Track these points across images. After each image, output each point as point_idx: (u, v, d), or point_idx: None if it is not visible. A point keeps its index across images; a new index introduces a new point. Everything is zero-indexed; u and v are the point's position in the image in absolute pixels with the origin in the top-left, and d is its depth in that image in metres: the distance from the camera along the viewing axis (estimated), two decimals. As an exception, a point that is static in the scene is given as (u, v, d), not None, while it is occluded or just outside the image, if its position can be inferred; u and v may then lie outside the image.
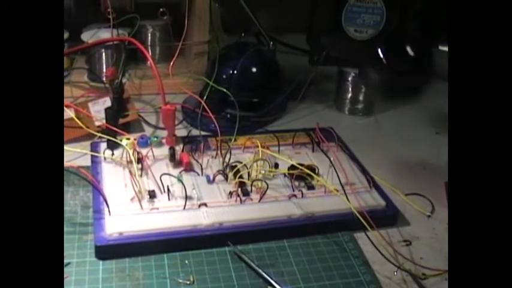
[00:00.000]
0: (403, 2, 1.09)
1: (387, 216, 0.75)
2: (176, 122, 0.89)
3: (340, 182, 0.76)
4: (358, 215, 0.68)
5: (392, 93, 1.12)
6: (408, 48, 1.14)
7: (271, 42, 1.06)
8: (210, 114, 0.87)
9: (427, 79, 1.24)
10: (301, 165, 0.78)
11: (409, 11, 1.14)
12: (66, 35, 1.10)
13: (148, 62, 1.06)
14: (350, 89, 1.07)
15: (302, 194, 0.76)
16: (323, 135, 0.89)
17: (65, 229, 0.70)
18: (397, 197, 0.80)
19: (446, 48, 1.25)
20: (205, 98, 0.93)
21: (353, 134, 0.98)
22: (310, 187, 0.77)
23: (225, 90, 0.93)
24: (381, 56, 1.04)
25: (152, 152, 0.81)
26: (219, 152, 0.83)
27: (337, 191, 0.74)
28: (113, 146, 0.82)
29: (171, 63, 1.00)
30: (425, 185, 0.85)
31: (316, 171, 0.79)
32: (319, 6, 1.06)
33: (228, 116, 0.96)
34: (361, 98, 1.07)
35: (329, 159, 0.81)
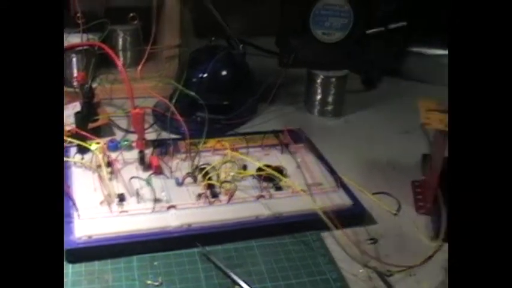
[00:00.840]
0: (371, 5, 1.11)
1: (354, 215, 0.77)
2: (147, 126, 0.90)
3: (306, 182, 0.77)
4: (322, 214, 0.69)
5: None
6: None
7: (241, 45, 1.07)
8: (180, 117, 0.87)
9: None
10: (269, 166, 0.79)
11: (377, 14, 1.16)
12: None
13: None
14: (319, 91, 1.08)
15: (270, 194, 0.77)
16: (292, 137, 0.90)
17: (35, 233, 0.70)
18: (364, 197, 0.81)
19: (419, 50, 1.28)
20: (174, 101, 0.93)
21: (323, 135, 1.00)
22: (278, 188, 0.78)
23: (193, 94, 0.94)
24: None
25: (122, 155, 0.82)
26: (188, 154, 0.84)
27: (304, 191, 0.75)
28: (82, 150, 0.82)
29: (139, 67, 1.01)
30: (394, 184, 0.87)
31: (284, 172, 0.81)
32: (288, 9, 1.07)
33: (199, 119, 0.97)
34: (330, 99, 1.08)
35: (296, 160, 0.82)
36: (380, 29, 1.12)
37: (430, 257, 0.70)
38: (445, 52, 1.23)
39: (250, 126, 1.03)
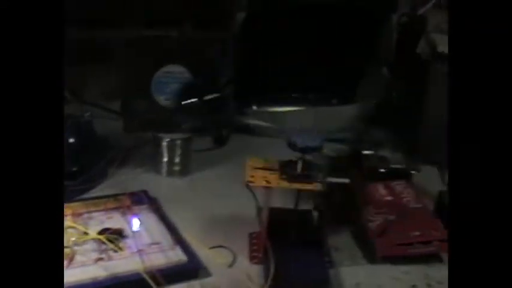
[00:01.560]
0: (214, 70, 1.19)
1: (188, 271, 0.82)
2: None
3: (144, 242, 0.83)
4: (143, 273, 0.75)
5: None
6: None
7: (88, 113, 1.12)
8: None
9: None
10: (109, 229, 0.84)
11: (220, 78, 1.24)
12: None
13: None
14: (166, 153, 1.14)
15: (109, 256, 0.81)
16: (136, 199, 0.96)
17: None
18: (202, 252, 0.87)
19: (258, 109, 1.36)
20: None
21: (170, 194, 1.05)
22: (118, 249, 0.83)
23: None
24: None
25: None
26: (31, 223, 0.87)
27: (140, 251, 0.81)
28: None
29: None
30: (233, 237, 0.93)
31: (123, 234, 0.86)
32: (131, 75, 1.13)
33: (47, 186, 1.00)
34: (177, 160, 1.15)
35: (131, 222, 0.88)
36: (194, 100, 1.20)
37: (255, 304, 0.77)
38: (285, 109, 1.34)
39: (100, 190, 1.06)
